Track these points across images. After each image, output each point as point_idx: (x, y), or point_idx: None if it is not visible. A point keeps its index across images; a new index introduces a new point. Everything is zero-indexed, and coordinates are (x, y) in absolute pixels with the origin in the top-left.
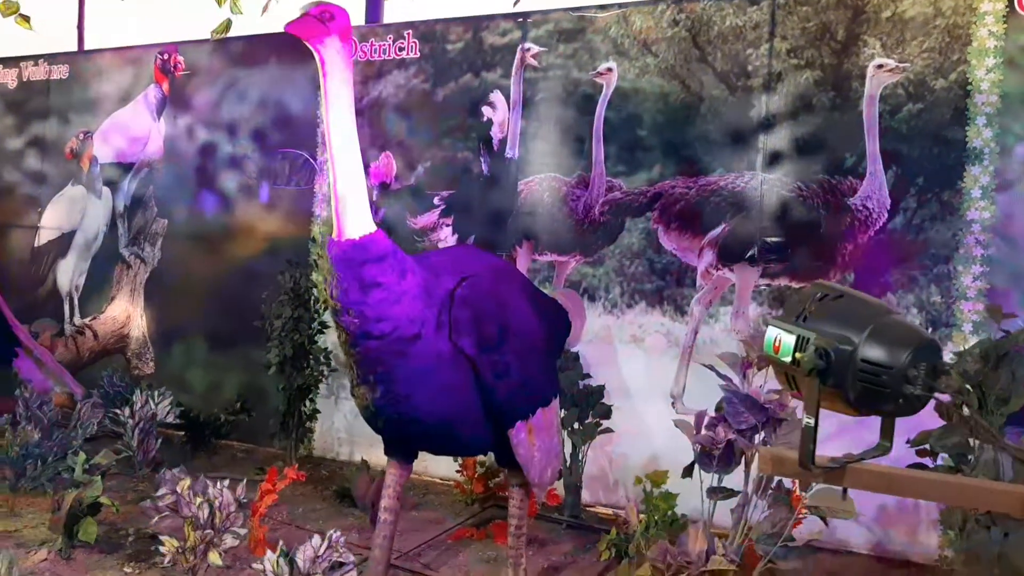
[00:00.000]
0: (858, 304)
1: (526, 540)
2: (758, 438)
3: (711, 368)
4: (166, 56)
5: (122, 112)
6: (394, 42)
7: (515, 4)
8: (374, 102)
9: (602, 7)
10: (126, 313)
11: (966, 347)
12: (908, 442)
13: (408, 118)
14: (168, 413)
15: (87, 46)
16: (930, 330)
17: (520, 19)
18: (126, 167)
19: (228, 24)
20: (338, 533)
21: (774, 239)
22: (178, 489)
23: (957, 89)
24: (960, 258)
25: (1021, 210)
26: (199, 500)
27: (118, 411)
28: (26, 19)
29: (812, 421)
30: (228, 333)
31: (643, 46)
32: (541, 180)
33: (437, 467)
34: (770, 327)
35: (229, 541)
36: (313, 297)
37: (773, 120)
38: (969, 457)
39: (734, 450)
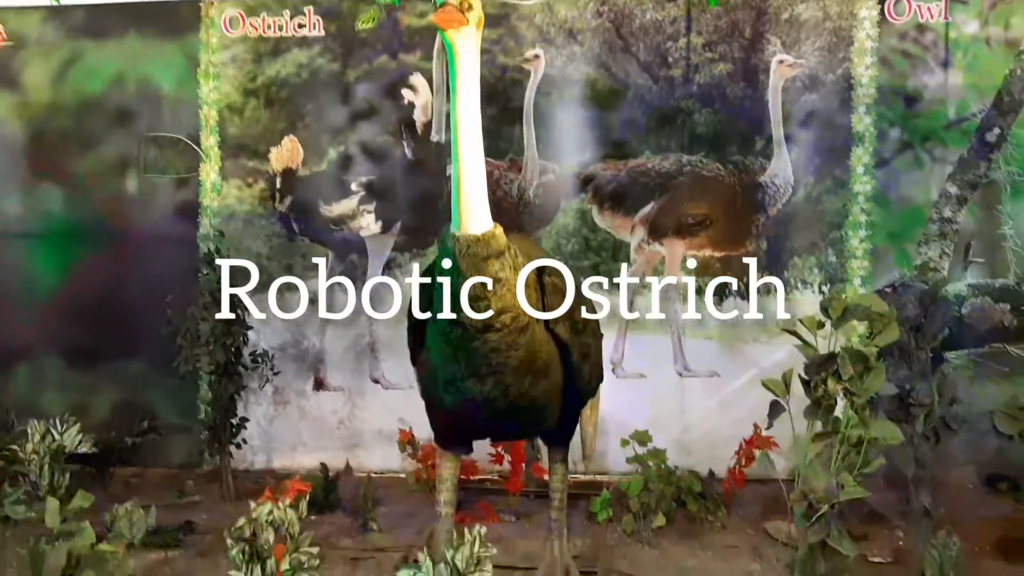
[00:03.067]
0: None
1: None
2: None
3: (793, 333)
4: None
5: None
6: (292, 18)
7: None
8: (271, 82)
9: None
10: None
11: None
12: None
13: (314, 100)
14: (80, 443)
15: None
16: (828, 285)
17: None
18: None
19: (377, 13)
20: (483, 528)
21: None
22: (254, 515)
23: (843, 82)
24: (849, 224)
25: (894, 182)
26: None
27: (16, 447)
28: None
29: None
30: (91, 346)
31: (568, 35)
32: None
33: (371, 461)
34: None
35: (307, 562)
36: None
37: (693, 107)
38: (907, 387)
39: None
